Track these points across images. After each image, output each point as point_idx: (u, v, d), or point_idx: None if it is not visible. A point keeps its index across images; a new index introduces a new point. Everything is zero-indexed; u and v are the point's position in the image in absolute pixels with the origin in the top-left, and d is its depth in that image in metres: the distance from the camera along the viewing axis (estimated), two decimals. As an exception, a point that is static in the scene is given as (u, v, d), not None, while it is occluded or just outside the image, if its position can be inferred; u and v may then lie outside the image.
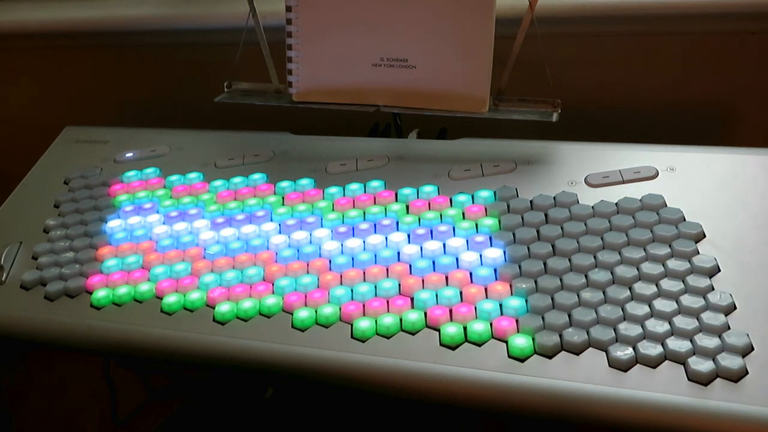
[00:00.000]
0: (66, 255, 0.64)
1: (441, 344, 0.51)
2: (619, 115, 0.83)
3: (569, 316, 0.51)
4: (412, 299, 0.54)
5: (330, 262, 0.59)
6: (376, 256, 0.58)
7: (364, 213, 0.63)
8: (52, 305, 0.60)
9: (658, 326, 0.49)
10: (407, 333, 0.52)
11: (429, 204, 0.62)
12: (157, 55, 0.93)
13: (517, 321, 0.51)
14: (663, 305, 0.50)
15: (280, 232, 0.63)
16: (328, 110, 0.71)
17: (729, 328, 0.48)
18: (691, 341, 0.47)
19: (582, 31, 0.78)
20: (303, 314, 0.54)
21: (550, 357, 0.49)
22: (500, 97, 0.68)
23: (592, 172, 0.62)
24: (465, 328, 0.51)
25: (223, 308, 0.56)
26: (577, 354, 0.49)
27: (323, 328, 0.54)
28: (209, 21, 0.86)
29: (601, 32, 0.78)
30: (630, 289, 0.52)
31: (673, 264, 0.53)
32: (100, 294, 0.59)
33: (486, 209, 0.61)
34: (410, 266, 0.57)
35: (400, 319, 0.53)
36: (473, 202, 0.62)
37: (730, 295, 0.50)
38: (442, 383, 0.49)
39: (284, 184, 0.68)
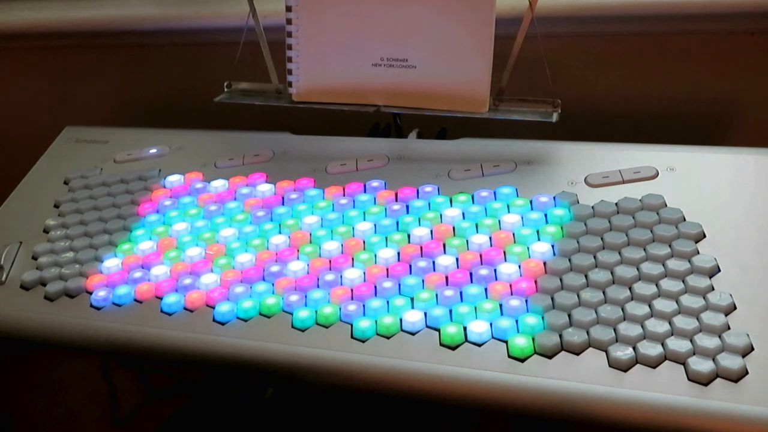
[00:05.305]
0: (66, 255, 0.64)
1: (441, 344, 0.51)
2: (619, 115, 0.83)
3: (569, 316, 0.51)
4: (412, 299, 0.54)
5: (330, 262, 0.59)
6: (376, 256, 0.58)
7: (364, 213, 0.63)
8: (52, 305, 0.60)
9: (658, 326, 0.49)
10: (407, 333, 0.52)
11: (429, 204, 0.62)
12: (157, 55, 0.93)
13: (517, 321, 0.51)
14: (663, 305, 0.50)
15: (280, 232, 0.63)
16: (328, 110, 0.71)
17: (729, 328, 0.48)
18: (691, 341, 0.47)
19: (582, 31, 0.78)
20: (303, 314, 0.54)
21: (550, 357, 0.49)
22: (500, 97, 0.68)
23: (592, 172, 0.62)
24: (465, 328, 0.51)
25: (223, 308, 0.56)
26: (577, 354, 0.49)
27: (323, 328, 0.54)
28: (209, 21, 0.86)
29: (601, 32, 0.78)
30: (630, 289, 0.52)
31: (673, 264, 0.53)
32: (100, 294, 0.59)
33: (486, 209, 0.61)
34: (410, 266, 0.57)
35: (400, 319, 0.53)
36: (473, 203, 0.62)
37: (730, 295, 0.50)
38: (442, 383, 0.49)
39: (284, 184, 0.68)
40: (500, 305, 0.52)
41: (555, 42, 0.71)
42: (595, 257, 0.55)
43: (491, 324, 0.51)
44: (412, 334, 0.52)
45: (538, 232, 0.58)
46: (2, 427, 0.97)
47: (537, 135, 0.70)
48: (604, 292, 0.52)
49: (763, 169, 0.60)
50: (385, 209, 0.63)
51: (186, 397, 0.96)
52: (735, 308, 0.50)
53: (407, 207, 0.63)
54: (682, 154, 0.62)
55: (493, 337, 0.51)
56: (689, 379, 0.46)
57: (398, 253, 0.58)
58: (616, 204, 0.58)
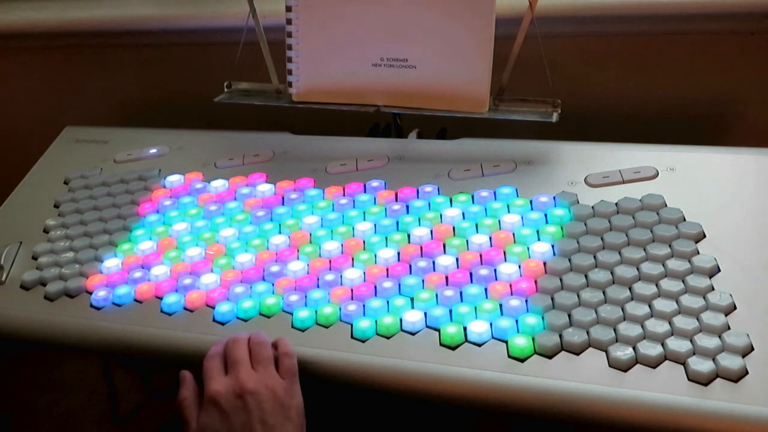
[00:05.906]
0: (66, 255, 0.64)
1: (441, 344, 0.51)
2: (619, 115, 0.83)
3: (569, 316, 0.51)
4: (412, 299, 0.54)
5: (330, 262, 0.59)
6: (376, 256, 0.58)
7: (364, 213, 0.63)
8: (52, 305, 0.60)
9: (658, 326, 0.49)
10: (407, 333, 0.52)
11: (429, 204, 0.62)
12: (157, 55, 0.93)
13: (517, 321, 0.51)
14: (663, 305, 0.50)
15: (280, 232, 0.63)
16: (328, 110, 0.71)
17: (729, 328, 0.48)
18: (691, 341, 0.47)
19: (582, 31, 0.78)
20: (303, 314, 0.54)
21: (550, 357, 0.49)
22: (500, 97, 0.68)
23: (592, 172, 0.62)
24: (465, 328, 0.51)
25: (223, 308, 0.56)
26: (577, 354, 0.49)
27: (323, 328, 0.54)
28: (209, 21, 0.86)
29: (601, 32, 0.78)
30: (630, 289, 0.52)
31: (673, 264, 0.53)
32: (100, 294, 0.59)
33: (486, 209, 0.61)
34: (410, 266, 0.57)
35: (400, 319, 0.53)
36: (473, 203, 0.62)
37: (730, 295, 0.50)
38: (442, 383, 0.49)
39: (284, 184, 0.68)
40: (500, 305, 0.52)
41: (555, 42, 0.71)
42: (595, 257, 0.55)
43: (491, 324, 0.51)
44: (412, 334, 0.52)
45: (538, 232, 0.58)
46: (2, 427, 0.97)
47: (537, 135, 0.70)
48: (604, 292, 0.52)
49: (763, 169, 0.60)
50: (385, 209, 0.63)
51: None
52: (735, 308, 0.50)
53: (407, 207, 0.63)
54: (682, 154, 0.62)
55: (493, 337, 0.51)
56: (689, 379, 0.46)
57: (398, 253, 0.58)
58: (616, 204, 0.58)
